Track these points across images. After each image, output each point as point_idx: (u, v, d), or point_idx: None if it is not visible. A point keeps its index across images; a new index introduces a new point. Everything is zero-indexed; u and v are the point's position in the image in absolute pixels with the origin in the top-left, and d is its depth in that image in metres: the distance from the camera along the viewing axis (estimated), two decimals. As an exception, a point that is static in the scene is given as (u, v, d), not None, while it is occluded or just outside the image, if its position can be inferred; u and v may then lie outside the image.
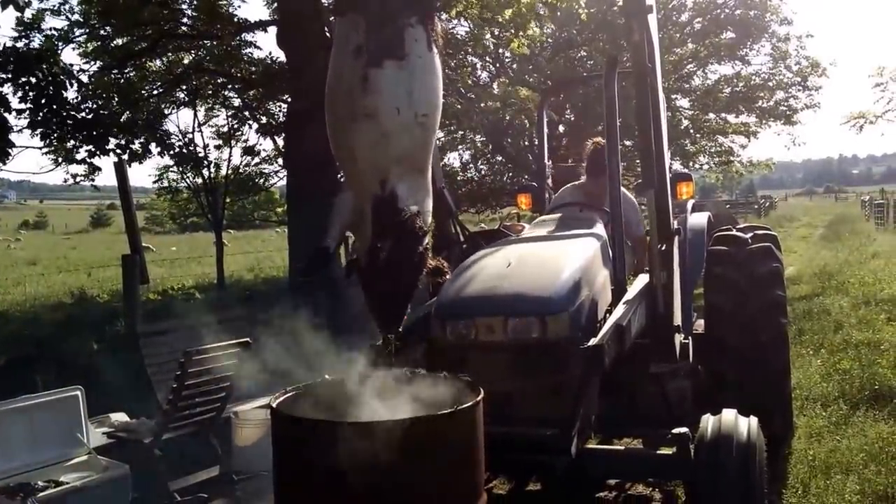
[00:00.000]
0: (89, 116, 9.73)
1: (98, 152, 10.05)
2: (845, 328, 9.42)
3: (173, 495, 5.33)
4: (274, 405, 3.09)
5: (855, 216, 44.79)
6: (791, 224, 41.66)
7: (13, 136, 9.11)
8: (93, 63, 14.03)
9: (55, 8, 13.29)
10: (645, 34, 4.31)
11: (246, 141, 16.66)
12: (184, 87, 15.30)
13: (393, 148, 3.35)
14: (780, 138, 22.30)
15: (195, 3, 13.98)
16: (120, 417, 5.98)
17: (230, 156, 15.92)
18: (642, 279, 4.71)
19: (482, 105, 17.33)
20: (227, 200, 15.57)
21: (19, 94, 8.67)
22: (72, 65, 10.09)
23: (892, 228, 30.57)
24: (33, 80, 8.55)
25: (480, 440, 3.01)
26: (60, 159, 11.56)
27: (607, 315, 4.29)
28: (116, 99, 13.11)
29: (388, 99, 3.31)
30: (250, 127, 16.61)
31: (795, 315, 10.24)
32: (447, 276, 3.92)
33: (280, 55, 13.94)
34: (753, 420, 3.78)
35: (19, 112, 8.74)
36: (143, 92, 14.63)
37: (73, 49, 14.05)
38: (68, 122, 9.25)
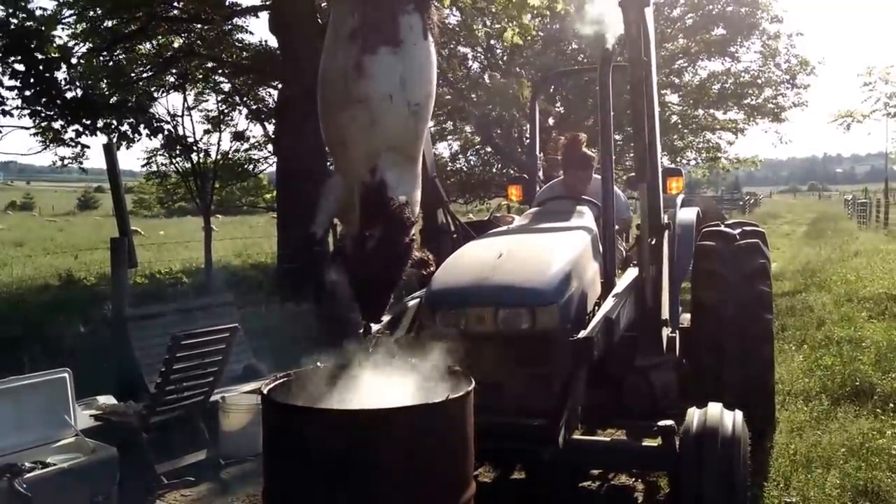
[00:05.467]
0: (78, 96, 9.64)
1: (86, 132, 9.98)
2: (827, 325, 9.51)
3: (160, 478, 5.36)
4: (265, 391, 3.10)
5: (838, 214, 45.11)
6: (775, 221, 41.89)
7: (2, 119, 9.08)
8: (82, 45, 13.92)
9: (44, -12, 13.20)
10: (641, 28, 4.33)
11: (235, 126, 16.58)
12: (173, 71, 15.18)
13: (384, 135, 3.35)
14: (767, 135, 22.39)
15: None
16: (107, 400, 5.99)
17: (219, 141, 15.82)
18: (631, 273, 4.75)
19: (472, 96, 17.30)
20: (216, 185, 15.48)
21: (9, 71, 8.61)
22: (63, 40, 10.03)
23: (875, 227, 30.80)
24: (24, 58, 8.48)
25: (470, 430, 3.04)
26: (48, 141, 11.48)
27: (596, 308, 4.33)
28: (106, 81, 13.02)
29: (381, 86, 3.30)
30: (240, 112, 16.53)
31: (778, 311, 10.31)
32: (432, 268, 3.93)
33: (272, 40, 13.90)
34: (739, 414, 3.82)
35: (9, 89, 8.68)
36: (132, 75, 14.52)
37: (63, 30, 13.91)
38: (57, 101, 9.17)
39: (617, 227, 5.53)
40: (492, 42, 18.53)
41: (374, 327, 3.81)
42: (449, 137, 21.62)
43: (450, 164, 21.68)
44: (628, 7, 4.29)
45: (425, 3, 3.47)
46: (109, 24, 14.04)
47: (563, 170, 6.04)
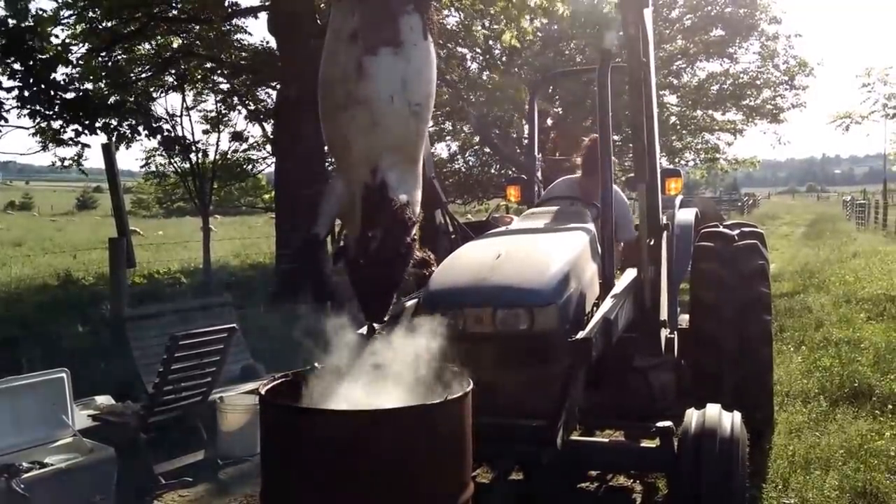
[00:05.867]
0: (77, 96, 9.66)
1: (85, 132, 9.99)
2: (826, 326, 9.52)
3: (158, 479, 5.35)
4: (262, 392, 3.09)
5: (836, 216, 45.17)
6: (773, 222, 41.92)
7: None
8: (81, 45, 13.93)
9: (44, -12, 13.23)
10: (640, 28, 4.33)
11: (234, 126, 16.60)
12: (172, 71, 15.20)
13: (385, 136, 3.34)
14: (765, 136, 22.40)
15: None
16: (105, 400, 5.99)
17: (218, 141, 15.85)
18: (630, 273, 4.74)
19: (471, 97, 17.30)
20: (215, 186, 15.51)
21: (8, 71, 8.63)
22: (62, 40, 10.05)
23: (873, 228, 30.84)
24: (23, 58, 8.50)
25: (469, 431, 3.03)
26: (48, 140, 11.49)
27: (595, 308, 4.32)
28: (105, 81, 13.03)
29: (382, 86, 3.29)
30: (239, 113, 16.56)
31: (777, 312, 10.29)
32: (433, 268, 3.92)
33: (271, 41, 13.92)
34: (737, 415, 3.82)
35: (8, 90, 8.69)
36: (131, 75, 14.54)
37: (62, 30, 13.91)
38: (56, 101, 9.18)
39: (619, 246, 5.52)
40: (490, 43, 18.54)
41: (376, 327, 3.81)
42: (447, 138, 21.65)
43: (448, 164, 21.70)
44: (627, 8, 4.29)
45: (425, 3, 3.47)
46: (108, 24, 14.04)
47: (581, 170, 6.02)
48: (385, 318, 3.65)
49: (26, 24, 8.44)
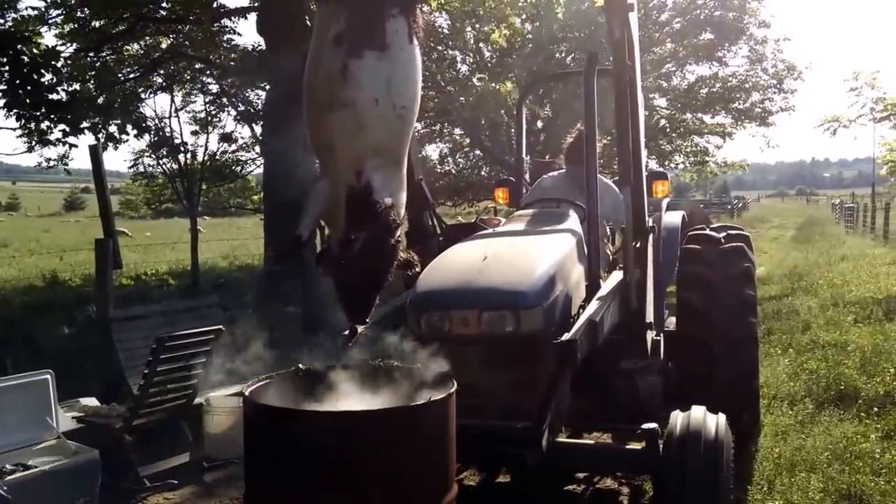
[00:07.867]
0: (64, 98, 9.62)
1: (72, 133, 9.95)
2: (813, 329, 9.55)
3: (143, 481, 5.33)
4: (246, 393, 3.08)
5: (825, 219, 45.38)
6: (763, 225, 42.11)
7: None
8: (69, 45, 13.87)
9: (32, -12, 13.19)
10: (626, 32, 4.35)
11: (223, 127, 16.56)
12: (161, 72, 15.16)
13: (370, 139, 3.33)
14: (755, 140, 22.63)
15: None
16: (90, 402, 5.96)
17: (207, 142, 15.82)
18: (616, 276, 4.75)
19: (461, 99, 17.32)
20: (203, 187, 15.47)
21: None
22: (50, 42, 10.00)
23: (862, 232, 30.99)
24: (5, 60, 8.45)
25: (452, 432, 3.02)
26: (34, 141, 11.44)
27: (581, 310, 4.32)
28: (93, 82, 12.99)
29: (367, 90, 3.29)
30: (228, 114, 16.52)
31: (765, 315, 10.36)
32: (417, 270, 3.92)
33: (260, 42, 13.88)
34: (722, 417, 3.82)
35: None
36: (119, 75, 14.49)
37: (48, 30, 13.83)
38: (43, 103, 9.14)
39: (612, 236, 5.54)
40: (480, 45, 18.56)
41: (359, 329, 3.79)
42: (437, 140, 21.66)
43: (438, 166, 21.71)
44: (612, 11, 4.29)
45: (410, 6, 3.46)
46: (97, 24, 13.98)
47: (565, 161, 6.06)
48: (367, 321, 3.64)
49: (16, 26, 8.41)
